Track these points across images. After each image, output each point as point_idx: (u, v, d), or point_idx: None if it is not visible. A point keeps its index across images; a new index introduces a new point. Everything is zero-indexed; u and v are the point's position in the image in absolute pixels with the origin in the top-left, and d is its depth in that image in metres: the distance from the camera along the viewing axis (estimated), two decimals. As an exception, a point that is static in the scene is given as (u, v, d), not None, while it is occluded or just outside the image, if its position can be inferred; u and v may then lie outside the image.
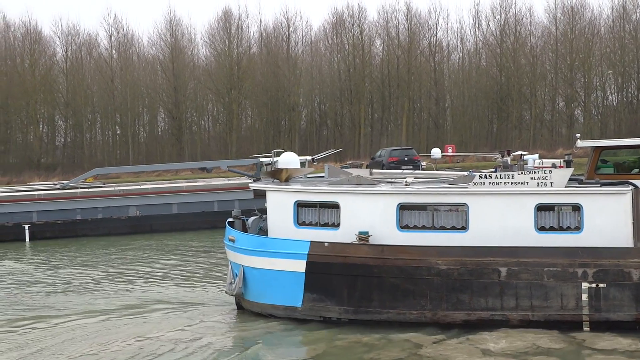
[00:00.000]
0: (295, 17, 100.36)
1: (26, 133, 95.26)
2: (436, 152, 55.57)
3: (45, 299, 27.90)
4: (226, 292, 24.37)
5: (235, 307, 23.94)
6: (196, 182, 55.83)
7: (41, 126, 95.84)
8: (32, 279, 32.96)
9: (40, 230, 47.83)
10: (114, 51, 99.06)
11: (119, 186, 53.50)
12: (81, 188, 51.09)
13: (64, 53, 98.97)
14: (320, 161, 59.73)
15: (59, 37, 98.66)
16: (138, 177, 74.19)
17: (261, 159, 53.58)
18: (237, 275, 23.23)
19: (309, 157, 53.95)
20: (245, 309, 23.39)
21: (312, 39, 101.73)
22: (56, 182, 56.66)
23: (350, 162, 58.39)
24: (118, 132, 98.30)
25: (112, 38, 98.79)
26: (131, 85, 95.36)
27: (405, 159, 51.09)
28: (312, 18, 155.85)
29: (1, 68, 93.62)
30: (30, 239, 47.06)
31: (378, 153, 57.44)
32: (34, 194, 49.69)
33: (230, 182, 52.87)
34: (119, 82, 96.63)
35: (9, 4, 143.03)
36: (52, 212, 48.58)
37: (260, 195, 22.94)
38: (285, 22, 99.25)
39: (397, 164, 49.66)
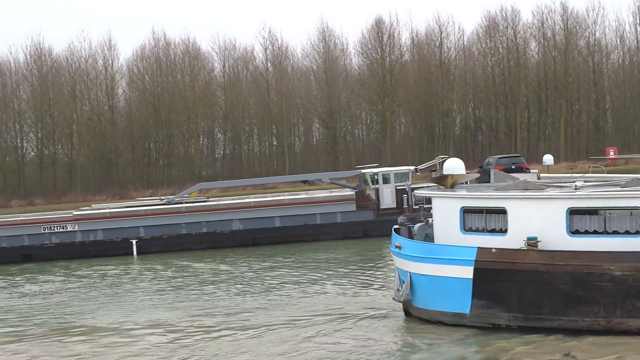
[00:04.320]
0: (448, 23, 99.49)
1: (187, 146, 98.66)
2: (548, 159, 53.69)
3: (229, 303, 28.89)
4: (393, 299, 24.46)
5: (403, 313, 24.03)
6: (298, 194, 55.80)
7: (201, 139, 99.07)
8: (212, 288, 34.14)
9: (146, 245, 49.07)
10: (269, 64, 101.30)
11: (222, 200, 54.24)
12: (186, 203, 52.00)
13: (222, 68, 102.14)
14: (424, 171, 58.62)
15: (216, 53, 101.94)
16: (295, 186, 75.38)
17: (363, 171, 53.22)
18: (404, 281, 23.30)
19: (412, 167, 53.12)
20: (413, 316, 23.44)
21: (465, 43, 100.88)
22: (162, 197, 57.96)
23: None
24: (274, 143, 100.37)
25: (267, 51, 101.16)
26: (286, 97, 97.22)
27: (513, 167, 49.40)
28: (464, 22, 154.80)
29: (163, 84, 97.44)
30: (137, 254, 48.43)
31: (486, 161, 55.97)
32: (141, 210, 51.11)
33: (332, 194, 52.62)
34: (274, 94, 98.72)
35: (169, 23, 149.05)
36: (158, 227, 49.81)
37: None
38: (437, 27, 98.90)
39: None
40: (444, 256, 21.96)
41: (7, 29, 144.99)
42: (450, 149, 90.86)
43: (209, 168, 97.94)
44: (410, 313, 23.55)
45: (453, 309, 21.92)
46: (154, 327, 25.68)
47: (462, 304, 21.69)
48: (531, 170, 46.70)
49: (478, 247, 21.43)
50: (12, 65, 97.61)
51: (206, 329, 24.65)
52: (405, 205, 49.63)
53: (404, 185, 50.32)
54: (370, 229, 49.30)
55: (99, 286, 36.49)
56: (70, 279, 39.99)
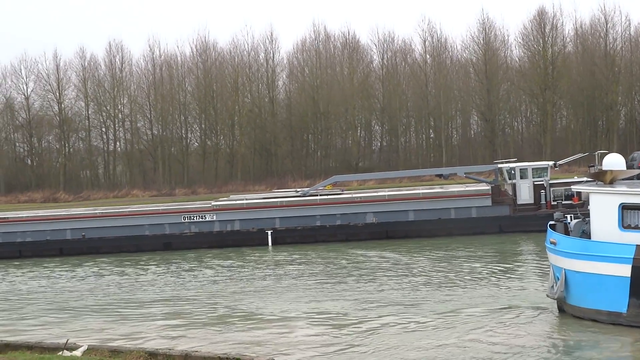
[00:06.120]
0: (614, 12, 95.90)
1: (345, 138, 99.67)
2: None
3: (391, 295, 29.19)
4: (547, 295, 24.08)
5: (557, 310, 23.60)
6: (433, 188, 55.06)
7: (359, 131, 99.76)
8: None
9: (281, 236, 49.74)
10: (427, 56, 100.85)
11: (356, 193, 54.10)
12: (321, 195, 52.28)
13: (380, 60, 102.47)
14: (563, 166, 56.32)
15: (375, 45, 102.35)
16: (454, 179, 74.73)
17: (499, 165, 51.71)
18: (558, 278, 22.89)
19: (550, 163, 51.26)
20: (567, 313, 22.99)
21: (632, 33, 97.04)
22: (298, 190, 58.38)
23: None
24: (432, 135, 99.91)
25: (426, 43, 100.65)
26: (444, 89, 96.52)
27: None
28: (631, 12, 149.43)
29: (322, 77, 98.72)
30: (272, 244, 49.17)
31: (631, 156, 53.24)
32: (277, 201, 51.76)
33: (467, 188, 51.57)
34: (432, 86, 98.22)
35: (329, 16, 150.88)
36: (293, 218, 50.39)
37: None
38: (603, 18, 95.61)
39: None
40: (601, 253, 21.44)
41: (175, 24, 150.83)
42: (614, 143, 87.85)
43: (366, 160, 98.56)
44: (565, 310, 23.11)
45: (609, 308, 21.38)
46: (320, 316, 26.17)
47: (619, 302, 21.13)
48: None
49: (637, 245, 20.82)
50: (179, 58, 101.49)
51: (371, 320, 24.91)
52: (542, 201, 48.41)
53: (542, 181, 49.03)
54: (505, 224, 48.36)
55: (252, 275, 37.42)
56: (219, 267, 41.18)
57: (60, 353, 17.71)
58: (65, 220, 52.49)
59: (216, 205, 52.14)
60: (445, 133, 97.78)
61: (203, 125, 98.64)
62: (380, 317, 25.25)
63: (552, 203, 47.84)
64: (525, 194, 49.33)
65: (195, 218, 51.36)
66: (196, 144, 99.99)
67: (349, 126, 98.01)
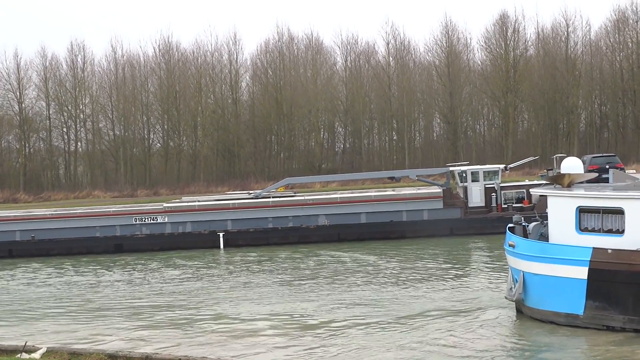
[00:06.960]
0: (575, 17, 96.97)
1: (308, 140, 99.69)
2: None
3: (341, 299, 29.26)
4: (506, 298, 24.35)
5: (515, 312, 23.86)
6: (385, 191, 55.27)
7: (322, 133, 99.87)
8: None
9: (233, 238, 49.71)
10: (391, 59, 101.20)
11: (309, 195, 54.26)
12: (273, 197, 52.40)
13: (344, 62, 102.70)
14: (514, 170, 56.92)
15: (339, 47, 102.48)
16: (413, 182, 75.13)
17: (451, 168, 52.29)
18: (517, 280, 23.15)
19: (501, 166, 51.98)
20: (525, 315, 23.26)
21: (592, 38, 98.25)
22: (250, 192, 58.18)
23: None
24: (394, 137, 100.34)
25: (390, 46, 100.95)
26: (407, 91, 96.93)
27: (607, 166, 47.32)
28: (592, 17, 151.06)
29: (286, 78, 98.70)
30: (224, 246, 49.09)
31: (581, 159, 53.99)
32: (229, 203, 51.74)
33: (419, 191, 51.99)
34: (395, 88, 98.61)
35: (293, 18, 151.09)
36: (246, 220, 50.38)
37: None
38: (564, 22, 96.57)
39: (598, 172, 45.78)
40: (558, 256, 21.72)
41: (137, 24, 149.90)
42: (575, 146, 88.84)
43: (329, 161, 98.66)
44: (523, 312, 23.38)
45: (566, 310, 21.67)
46: (282, 317, 26.16)
47: (576, 304, 21.41)
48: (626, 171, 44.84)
49: (593, 248, 21.11)
50: (142, 59, 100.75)
51: (334, 322, 24.91)
52: (493, 204, 48.98)
53: (493, 184, 49.59)
54: (457, 227, 48.81)
55: (211, 277, 37.26)
56: (176, 269, 40.94)
57: (18, 356, 17.60)
58: (15, 221, 51.88)
59: (168, 207, 51.91)
60: (408, 135, 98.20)
61: (165, 126, 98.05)
62: (342, 319, 25.30)
63: (503, 206, 48.49)
64: (476, 197, 49.87)
65: (146, 220, 51.03)
66: (158, 144, 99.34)
67: (312, 128, 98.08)
